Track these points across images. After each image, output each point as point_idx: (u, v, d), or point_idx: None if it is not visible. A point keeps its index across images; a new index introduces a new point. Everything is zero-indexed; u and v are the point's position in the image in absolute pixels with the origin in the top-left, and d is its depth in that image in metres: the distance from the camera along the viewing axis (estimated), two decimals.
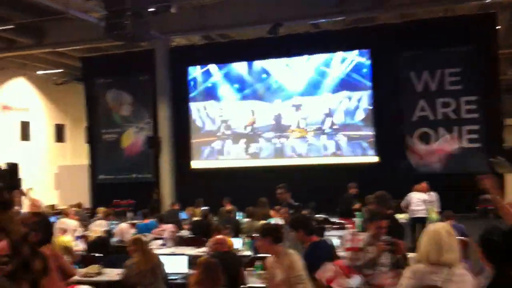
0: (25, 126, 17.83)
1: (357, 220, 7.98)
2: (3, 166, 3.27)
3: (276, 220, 8.32)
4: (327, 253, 5.04)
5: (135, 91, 15.83)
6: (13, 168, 3.33)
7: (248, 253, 7.15)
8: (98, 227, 9.05)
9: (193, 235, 8.80)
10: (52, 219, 8.55)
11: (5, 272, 3.35)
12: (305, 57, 14.48)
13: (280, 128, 14.73)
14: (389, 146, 13.49)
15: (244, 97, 15.01)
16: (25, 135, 17.78)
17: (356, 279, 4.76)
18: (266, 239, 4.48)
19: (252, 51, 14.54)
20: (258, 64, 14.92)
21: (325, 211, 10.37)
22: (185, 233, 9.24)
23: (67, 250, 7.34)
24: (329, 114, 14.28)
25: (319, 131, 14.38)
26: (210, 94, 15.30)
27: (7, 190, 3.23)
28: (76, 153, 17.81)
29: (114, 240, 8.74)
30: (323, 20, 13.55)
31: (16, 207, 3.32)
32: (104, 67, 15.93)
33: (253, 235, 7.53)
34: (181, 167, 14.83)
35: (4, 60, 15.46)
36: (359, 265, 4.53)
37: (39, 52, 15.30)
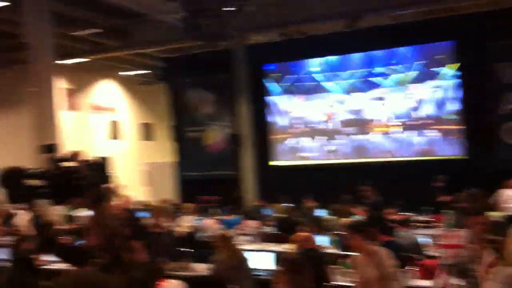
0: (113, 125, 18.63)
1: (447, 218, 7.65)
2: (97, 160, 3.40)
3: (360, 217, 8.17)
4: (395, 253, 4.93)
5: (216, 90, 16.10)
6: (104, 162, 3.46)
7: (333, 250, 7.05)
8: (185, 223, 9.28)
9: (277, 232, 8.80)
10: (142, 214, 8.88)
11: (99, 265, 3.48)
12: (386, 50, 14.08)
13: (361, 123, 14.44)
14: (477, 140, 12.88)
15: (323, 92, 14.83)
16: (113, 134, 18.57)
17: (444, 278, 4.55)
18: (358, 236, 4.39)
19: (330, 45, 14.31)
20: (336, 58, 14.69)
21: (413, 209, 10.06)
22: (268, 229, 9.27)
23: None
24: (414, 108, 13.81)
25: (404, 126, 13.94)
26: (288, 90, 15.26)
27: (100, 184, 3.36)
28: (163, 150, 18.36)
29: (199, 235, 8.93)
30: (404, 12, 13.10)
31: (109, 203, 3.46)
32: (186, 66, 16.31)
33: (338, 232, 7.43)
34: (261, 164, 14.94)
35: (93, 63, 16.18)
36: (458, 263, 4.34)
37: (124, 54, 15.89)
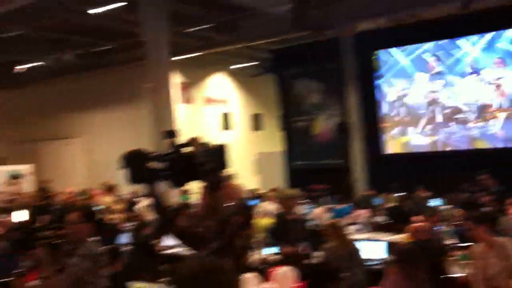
0: (225, 117, 19.20)
1: None
2: (215, 146, 3.51)
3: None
4: None
5: (323, 79, 16.03)
6: (222, 150, 3.57)
7: (449, 241, 6.78)
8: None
9: (389, 221, 8.63)
10: (253, 202, 9.12)
11: (210, 249, 3.63)
12: (502, 31, 13.17)
13: (477, 109, 13.65)
14: None
15: (434, 78, 14.21)
16: (225, 125, 19.15)
17: None
18: (480, 227, 4.17)
19: (441, 29, 13.65)
20: (448, 43, 13.99)
21: None
22: (380, 219, 9.11)
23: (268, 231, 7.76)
24: None
25: None
26: (398, 77, 14.81)
27: (216, 171, 3.48)
28: (272, 140, 18.63)
29: (309, 223, 8.98)
30: None
31: (224, 189, 3.58)
32: (293, 57, 16.38)
33: (454, 222, 7.14)
34: (371, 152, 14.67)
35: (205, 57, 16.76)
36: None
37: (234, 47, 16.28)
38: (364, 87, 14.74)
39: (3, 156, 19.90)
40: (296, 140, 16.51)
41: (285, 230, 6.38)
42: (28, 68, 16.19)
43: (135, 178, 3.07)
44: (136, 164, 3.06)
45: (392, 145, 15.02)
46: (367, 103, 14.83)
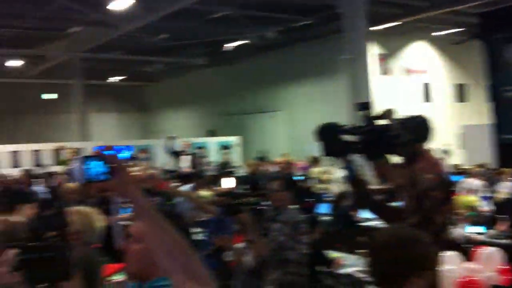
0: (426, 88, 18.40)
1: None
2: (411, 118, 3.33)
3: None
4: None
5: None
6: (419, 122, 3.38)
7: None
8: (504, 189, 8.69)
9: None
10: (456, 178, 8.64)
11: (409, 223, 3.56)
12: None
13: None
14: None
15: None
16: (426, 97, 18.36)
17: None
18: None
19: None
20: None
21: None
22: None
23: (472, 209, 7.34)
24: None
25: None
26: None
27: (413, 143, 3.38)
28: (478, 112, 17.37)
29: None
30: None
31: (422, 163, 3.45)
32: (503, 21, 14.86)
33: None
34: None
35: (404, 26, 16.16)
36: None
37: (436, 13, 15.40)
38: None
39: (214, 128, 21.88)
40: (508, 112, 15.07)
41: None
42: (235, 46, 17.37)
43: (328, 150, 3.13)
44: (329, 137, 3.11)
45: None
46: None
